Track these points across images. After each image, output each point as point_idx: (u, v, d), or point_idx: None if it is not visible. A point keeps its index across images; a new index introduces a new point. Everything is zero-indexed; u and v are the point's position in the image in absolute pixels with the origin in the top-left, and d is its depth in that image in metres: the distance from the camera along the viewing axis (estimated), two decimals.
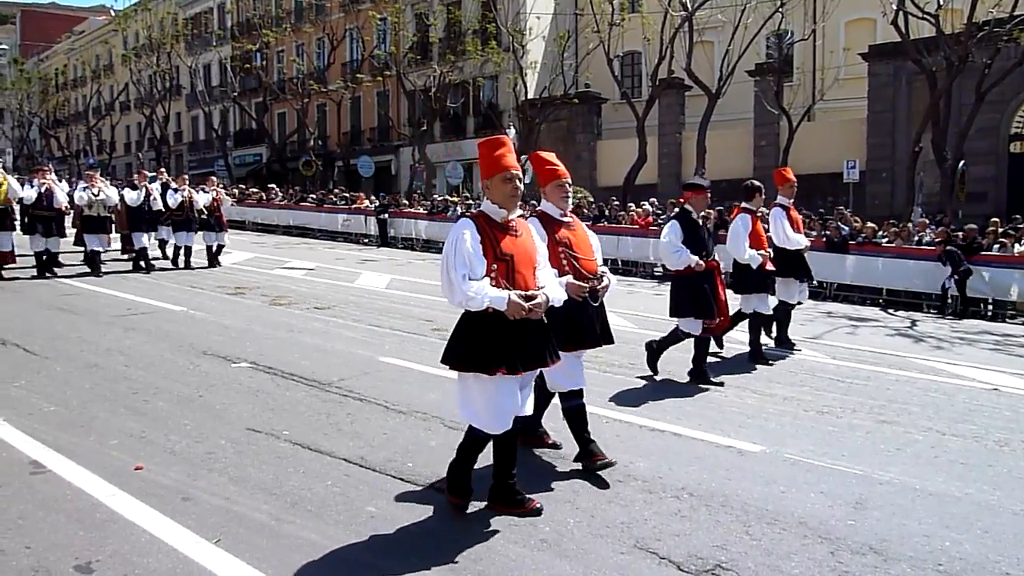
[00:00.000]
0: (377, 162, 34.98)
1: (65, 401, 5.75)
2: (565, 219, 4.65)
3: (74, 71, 60.45)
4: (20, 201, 12.45)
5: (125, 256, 14.95)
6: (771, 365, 7.90)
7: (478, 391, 3.82)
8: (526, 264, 3.87)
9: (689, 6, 23.32)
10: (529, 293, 3.78)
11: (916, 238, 15.39)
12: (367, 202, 25.75)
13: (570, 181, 4.69)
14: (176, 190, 14.37)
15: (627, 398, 6.36)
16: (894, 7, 19.71)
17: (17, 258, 12.54)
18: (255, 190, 30.06)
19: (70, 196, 13.60)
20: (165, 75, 41.82)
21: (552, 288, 3.96)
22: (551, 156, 4.73)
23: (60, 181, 14.30)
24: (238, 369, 6.93)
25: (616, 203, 21.26)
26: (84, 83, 56.55)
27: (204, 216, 14.63)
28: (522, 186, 3.95)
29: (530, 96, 28.63)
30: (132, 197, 13.85)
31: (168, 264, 14.70)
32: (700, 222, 6.97)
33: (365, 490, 4.22)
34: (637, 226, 18.41)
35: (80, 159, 50.82)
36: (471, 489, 3.99)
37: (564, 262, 4.49)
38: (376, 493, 4.18)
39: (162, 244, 15.48)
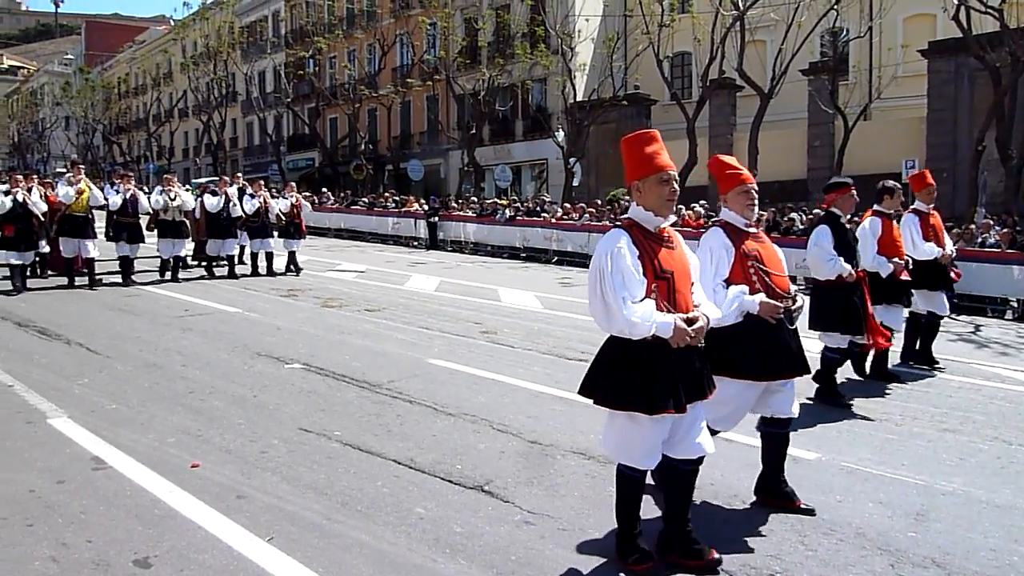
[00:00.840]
0: (426, 165, 35.24)
1: (125, 399, 5.92)
2: (751, 229, 4.13)
3: (135, 79, 62.34)
4: (104, 208, 12.45)
5: (197, 263, 14.77)
6: (904, 384, 7.12)
7: (632, 427, 3.33)
8: (685, 281, 3.37)
9: (741, 5, 22.97)
10: (691, 316, 3.28)
11: (979, 240, 14.88)
12: (416, 205, 25.97)
13: (756, 187, 4.15)
14: (252, 196, 14.18)
15: None
16: (955, 2, 19.11)
17: (95, 263, 12.21)
18: (307, 194, 30.52)
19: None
20: (221, 82, 42.82)
21: (709, 307, 3.48)
22: (731, 159, 4.25)
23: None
24: (291, 370, 7.04)
25: None
26: (145, 91, 58.30)
27: (283, 222, 14.49)
28: (676, 190, 3.41)
29: (579, 98, 28.52)
30: (212, 203, 13.66)
31: (245, 270, 14.36)
32: (848, 226, 6.26)
33: (414, 491, 4.23)
34: (688, 228, 18.17)
35: (140, 164, 52.46)
36: (649, 551, 3.46)
37: (755, 278, 3.99)
38: (425, 495, 4.19)
39: (241, 250, 15.04)
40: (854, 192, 6.23)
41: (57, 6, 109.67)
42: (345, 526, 3.78)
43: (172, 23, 56.90)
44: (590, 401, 3.43)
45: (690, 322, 3.24)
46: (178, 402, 5.90)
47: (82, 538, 3.58)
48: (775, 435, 4.21)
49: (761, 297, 3.94)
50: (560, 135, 28.33)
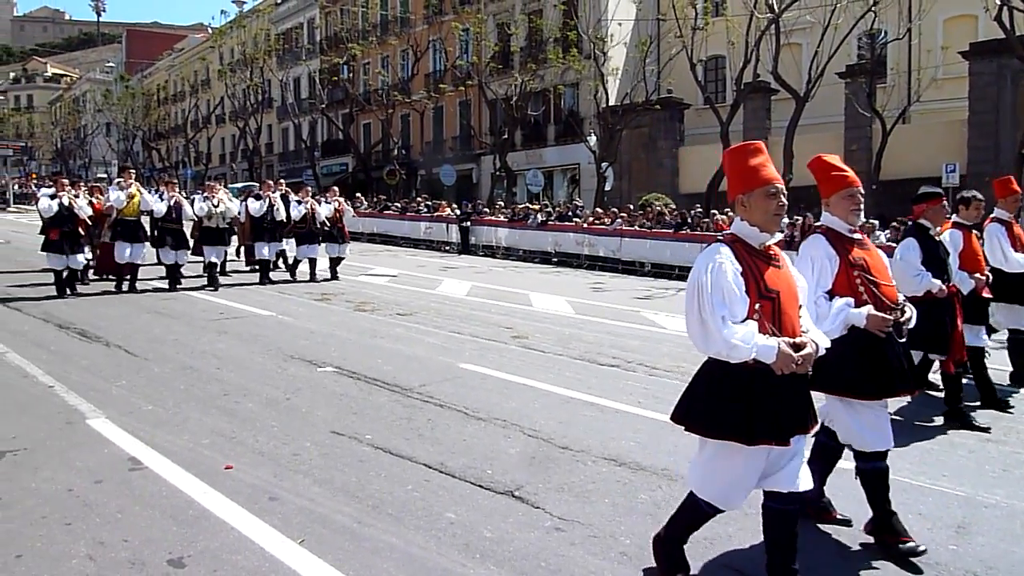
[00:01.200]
0: (459, 170, 35.38)
1: (162, 401, 6.01)
2: (855, 236, 3.84)
3: (174, 86, 63.57)
4: (150, 214, 12.46)
5: (248, 268, 14.87)
6: (1010, 412, 6.49)
7: (723, 459, 3.10)
8: (792, 303, 3.12)
9: (776, 8, 22.73)
10: (797, 341, 3.02)
11: None
12: (449, 210, 26.07)
13: (862, 190, 3.85)
14: (300, 202, 14.14)
15: None
16: (998, 2, 18.70)
17: (139, 269, 12.33)
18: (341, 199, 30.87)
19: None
20: (257, 89, 43.47)
21: (817, 334, 3.21)
22: (835, 159, 3.91)
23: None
24: (323, 373, 7.10)
25: (699, 210, 20.86)
26: (183, 98, 59.44)
27: (327, 228, 14.44)
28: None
29: (611, 103, 28.42)
30: (255, 207, 13.60)
31: (287, 275, 14.38)
32: (938, 239, 5.81)
33: (444, 496, 4.23)
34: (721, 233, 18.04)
35: (179, 170, 53.43)
36: (688, 563, 3.37)
37: (861, 289, 3.72)
38: (455, 499, 4.19)
39: (283, 255, 15.12)
40: (945, 203, 5.85)
41: (99, 15, 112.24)
42: (376, 529, 3.79)
43: (210, 31, 57.94)
44: (672, 421, 3.26)
45: (796, 347, 2.98)
46: (213, 404, 5.98)
47: (118, 537, 3.63)
48: (823, 445, 4.06)
49: (869, 309, 3.67)
50: (592, 139, 28.26)
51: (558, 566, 3.48)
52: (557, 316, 11.13)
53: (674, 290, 15.94)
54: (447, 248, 24.48)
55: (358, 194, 31.13)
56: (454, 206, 26.76)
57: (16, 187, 45.65)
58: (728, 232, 3.20)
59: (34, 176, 59.12)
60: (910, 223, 6.07)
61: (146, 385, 6.50)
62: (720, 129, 24.08)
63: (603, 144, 27.38)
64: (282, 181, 16.23)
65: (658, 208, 21.70)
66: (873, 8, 21.99)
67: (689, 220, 19.57)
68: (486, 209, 25.65)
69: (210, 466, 4.59)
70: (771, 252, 3.16)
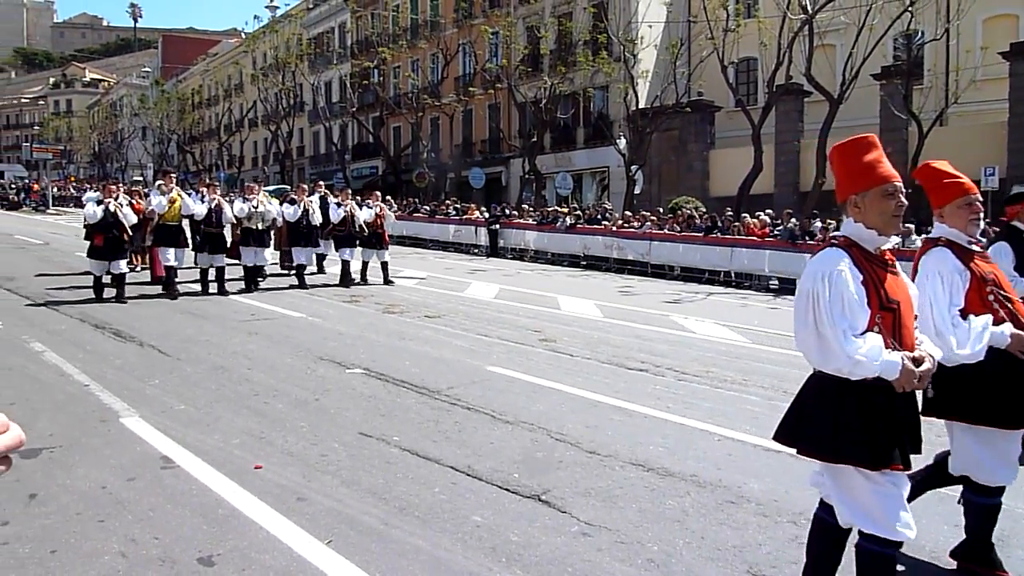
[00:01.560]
0: (488, 173, 35.45)
1: (194, 400, 6.10)
2: (975, 247, 3.54)
3: (208, 91, 64.54)
4: (191, 217, 12.21)
5: (284, 271, 14.76)
6: None
7: (861, 484, 2.80)
8: (910, 314, 2.87)
9: (810, 8, 22.47)
10: (917, 355, 2.78)
11: None
12: (477, 213, 26.13)
13: (980, 197, 3.58)
14: (339, 204, 13.94)
15: (740, 415, 6.13)
16: None
17: (178, 271, 12.16)
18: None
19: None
20: (289, 92, 43.98)
21: (930, 346, 2.97)
22: (945, 165, 3.61)
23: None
24: (352, 375, 7.15)
25: (729, 213, 20.69)
26: (216, 102, 60.35)
27: (365, 233, 14.13)
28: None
29: (641, 105, 28.30)
30: (290, 212, 13.31)
31: (326, 279, 14.33)
32: None
33: (471, 499, 4.24)
34: (752, 237, 17.85)
35: (212, 172, 54.23)
36: None
37: (996, 306, 3.38)
38: (482, 503, 4.19)
39: (320, 259, 15.02)
40: None
41: (136, 21, 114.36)
42: (402, 531, 3.80)
43: (243, 36, 58.78)
44: (776, 442, 3.04)
45: (916, 362, 2.75)
46: (243, 404, 6.05)
47: (149, 535, 3.69)
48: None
49: (1010, 328, 3.34)
50: (622, 142, 28.15)
51: (584, 571, 3.46)
52: (585, 319, 11.10)
53: (703, 294, 15.82)
54: (475, 251, 24.53)
55: (388, 197, 31.33)
56: (483, 209, 26.81)
57: (55, 190, 46.60)
58: (841, 235, 2.90)
59: (73, 179, 60.48)
60: (1001, 225, 5.51)
61: (179, 385, 6.60)
62: (751, 132, 23.87)
63: (632, 147, 27.26)
64: (320, 183, 15.98)
65: (688, 211, 21.56)
66: (910, 8, 21.63)
67: (719, 223, 19.42)
68: (515, 212, 25.67)
69: (240, 466, 4.64)
70: (888, 258, 2.88)
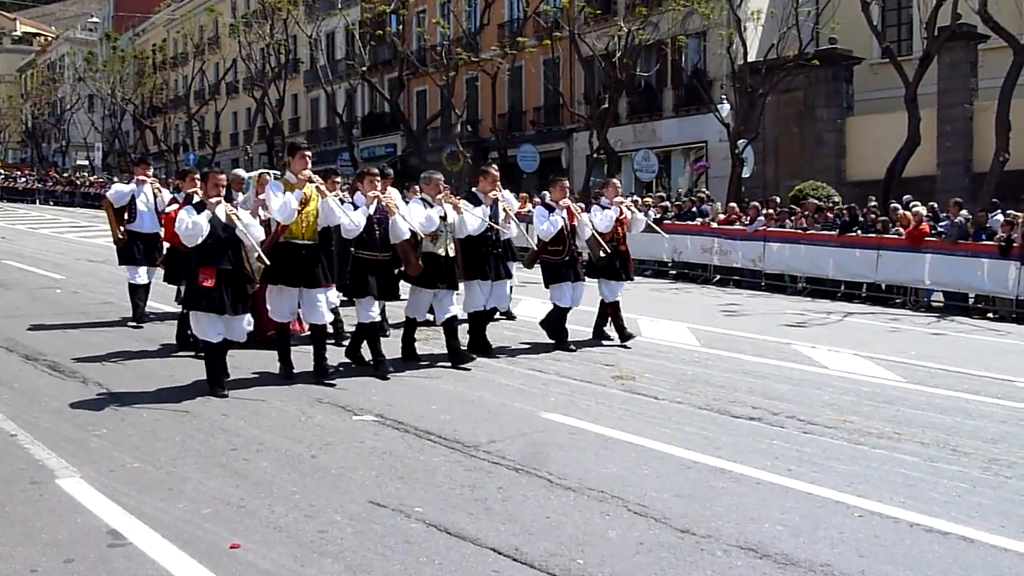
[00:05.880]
0: (543, 152, 35.56)
1: (152, 456, 6.20)
2: None
3: (174, 47, 66.07)
4: (333, 233, 8.93)
5: None
6: None
7: None
8: None
9: None
10: None
11: None
12: (529, 205, 26.17)
13: None
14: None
15: (890, 482, 6.01)
16: None
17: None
18: None
19: None
20: (280, 47, 44.69)
21: None
22: None
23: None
24: (360, 423, 7.20)
25: (874, 204, 20.35)
26: (185, 61, 61.67)
27: None
28: None
29: (751, 59, 28.09)
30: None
31: None
32: None
33: None
34: (905, 236, 17.53)
35: (179, 154, 55.44)
36: None
37: None
38: None
39: None
40: None
41: None
42: None
43: None
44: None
45: None
46: (216, 461, 6.13)
47: None
48: None
49: None
50: (725, 109, 27.96)
51: None
52: (675, 349, 11.02)
53: (838, 315, 15.58)
54: (524, 252, 24.54)
55: (410, 183, 31.62)
56: (535, 199, 26.87)
57: None
58: None
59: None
60: None
61: (133, 435, 6.71)
62: (905, 92, 23.50)
63: (740, 115, 27.05)
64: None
65: (817, 201, 21.28)
66: None
67: (860, 218, 19.12)
68: (580, 203, 25.67)
69: (211, 543, 4.69)
70: None
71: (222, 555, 4.57)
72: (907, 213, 18.46)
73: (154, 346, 10.28)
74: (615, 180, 12.79)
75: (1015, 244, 15.58)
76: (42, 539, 4.74)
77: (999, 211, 17.43)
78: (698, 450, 6.61)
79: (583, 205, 12.40)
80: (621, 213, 11.49)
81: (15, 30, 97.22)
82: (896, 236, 17.76)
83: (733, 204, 22.78)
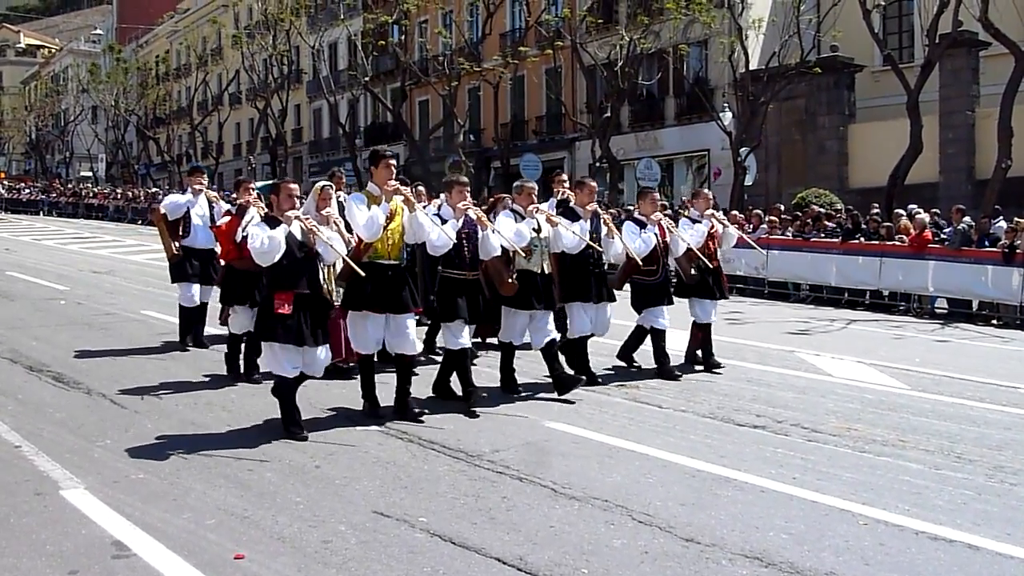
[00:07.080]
0: (545, 161, 35.56)
1: (156, 467, 6.21)
2: None
3: (177, 58, 66.32)
4: (417, 252, 8.80)
5: None
6: None
7: None
8: None
9: None
10: None
11: None
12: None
13: None
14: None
15: (895, 490, 6.00)
16: None
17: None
18: None
19: None
20: (283, 58, 44.84)
21: None
22: None
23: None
24: (364, 432, 7.21)
25: (877, 211, 20.35)
26: (188, 73, 61.93)
27: None
28: None
29: (752, 67, 28.11)
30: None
31: None
32: None
33: None
34: (908, 243, 17.52)
35: (182, 165, 55.51)
36: None
37: None
38: None
39: None
40: None
41: None
42: None
43: None
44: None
45: None
46: (221, 472, 6.13)
47: None
48: None
49: None
50: (727, 117, 27.99)
51: None
52: (678, 358, 11.00)
53: (842, 322, 15.57)
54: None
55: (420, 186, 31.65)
56: (540, 207, 26.87)
57: None
58: None
59: (3, 176, 62.46)
60: None
61: (137, 446, 6.71)
62: (906, 99, 23.51)
63: (742, 123, 27.06)
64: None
65: (819, 208, 21.27)
66: None
67: (863, 225, 19.11)
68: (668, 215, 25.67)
69: (216, 555, 4.69)
70: None
71: (226, 566, 4.57)
72: (907, 221, 18.46)
73: (157, 355, 10.30)
74: (706, 191, 11.85)
75: (1019, 251, 15.56)
76: (47, 550, 4.74)
77: (1002, 218, 17.43)
78: (702, 458, 6.62)
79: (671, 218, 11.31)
80: (712, 227, 10.56)
81: (19, 42, 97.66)
82: (899, 244, 17.74)
83: (736, 212, 22.76)
